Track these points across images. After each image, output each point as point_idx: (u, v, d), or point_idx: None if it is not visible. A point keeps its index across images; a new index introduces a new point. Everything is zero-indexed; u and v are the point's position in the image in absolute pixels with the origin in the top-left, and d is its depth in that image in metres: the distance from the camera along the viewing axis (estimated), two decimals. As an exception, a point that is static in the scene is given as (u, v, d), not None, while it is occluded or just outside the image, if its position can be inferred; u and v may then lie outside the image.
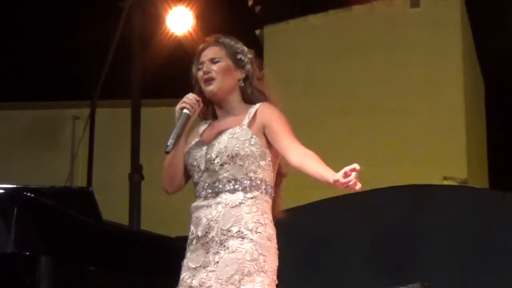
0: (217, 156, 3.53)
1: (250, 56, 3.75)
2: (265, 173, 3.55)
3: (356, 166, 3.23)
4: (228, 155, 3.52)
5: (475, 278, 6.50)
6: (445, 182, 10.51)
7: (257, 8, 12.11)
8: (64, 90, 12.00)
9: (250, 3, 12.11)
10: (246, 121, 3.59)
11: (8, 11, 11.68)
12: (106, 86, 9.10)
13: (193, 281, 3.48)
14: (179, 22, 9.68)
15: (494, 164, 12.43)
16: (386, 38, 11.55)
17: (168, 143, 3.49)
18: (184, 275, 3.54)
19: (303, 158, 3.44)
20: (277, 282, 3.51)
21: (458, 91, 11.32)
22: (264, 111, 3.60)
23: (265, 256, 3.44)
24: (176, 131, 3.53)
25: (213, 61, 3.66)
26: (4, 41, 11.77)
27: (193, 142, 3.65)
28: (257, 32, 12.20)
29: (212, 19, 9.63)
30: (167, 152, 3.54)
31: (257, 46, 11.61)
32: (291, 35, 11.90)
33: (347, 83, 11.49)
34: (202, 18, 9.72)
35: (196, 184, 3.61)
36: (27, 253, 4.41)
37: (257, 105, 3.64)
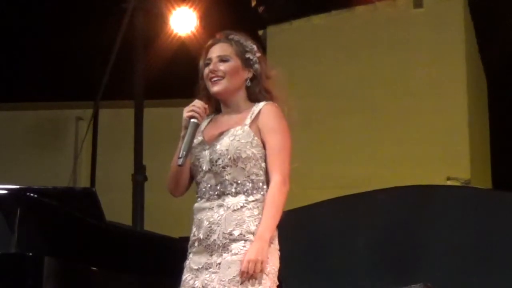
0: (219, 158, 3.52)
1: (258, 54, 3.71)
2: (267, 175, 3.53)
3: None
4: (230, 158, 3.50)
5: (478, 278, 6.49)
6: (448, 183, 10.50)
7: (260, 9, 12.09)
8: (67, 90, 12.00)
9: (253, 3, 12.10)
10: (248, 120, 3.56)
11: (11, 12, 11.68)
12: (109, 86, 9.09)
13: (196, 282, 3.48)
14: (182, 22, 9.68)
15: (497, 164, 12.42)
16: (389, 39, 11.53)
17: (180, 155, 3.47)
18: (187, 276, 3.53)
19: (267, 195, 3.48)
20: (277, 283, 3.51)
21: (461, 91, 11.30)
22: (265, 115, 3.56)
23: (267, 258, 3.44)
24: (187, 142, 3.50)
25: (221, 58, 3.62)
26: (7, 42, 11.76)
27: (195, 141, 3.62)
28: (260, 32, 12.18)
29: (216, 19, 9.62)
30: (180, 165, 3.50)
31: (260, 47, 11.56)
32: (294, 36, 11.89)
33: (350, 83, 11.47)
34: (206, 18, 9.71)
35: (198, 183, 3.60)
36: (30, 254, 4.42)
37: (261, 104, 3.60)
